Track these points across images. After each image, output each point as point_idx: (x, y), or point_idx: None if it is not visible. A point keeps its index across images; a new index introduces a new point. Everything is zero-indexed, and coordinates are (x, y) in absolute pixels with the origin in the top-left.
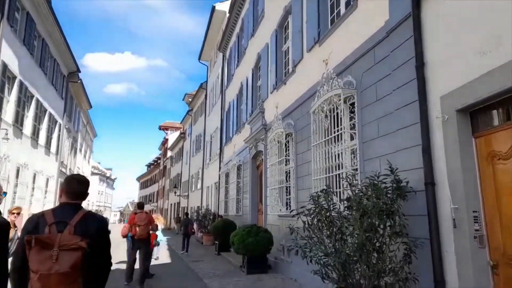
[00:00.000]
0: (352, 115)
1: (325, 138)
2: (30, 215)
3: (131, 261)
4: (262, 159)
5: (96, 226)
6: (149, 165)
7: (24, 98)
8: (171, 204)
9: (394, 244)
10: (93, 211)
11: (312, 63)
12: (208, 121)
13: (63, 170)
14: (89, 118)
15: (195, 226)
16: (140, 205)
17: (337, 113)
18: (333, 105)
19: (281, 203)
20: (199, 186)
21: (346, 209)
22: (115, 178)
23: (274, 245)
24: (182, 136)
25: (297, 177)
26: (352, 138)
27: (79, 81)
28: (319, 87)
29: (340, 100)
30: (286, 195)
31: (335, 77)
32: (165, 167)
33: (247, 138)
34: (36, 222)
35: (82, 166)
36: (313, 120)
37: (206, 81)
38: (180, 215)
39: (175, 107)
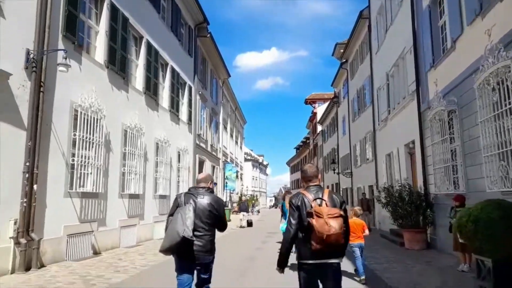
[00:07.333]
0: None
1: None
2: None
3: None
4: None
5: (340, 200)
6: (297, 148)
7: (123, 32)
8: (327, 186)
9: None
10: (247, 196)
11: None
12: (377, 59)
13: (202, 145)
14: (237, 103)
15: (377, 214)
16: None
17: None
18: None
19: None
20: (369, 156)
21: None
22: (267, 164)
23: None
24: (335, 101)
25: None
26: None
27: (208, 35)
28: None
29: None
30: None
31: None
32: (315, 145)
33: None
34: (301, 199)
35: (234, 151)
36: None
37: (369, 5)
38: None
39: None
